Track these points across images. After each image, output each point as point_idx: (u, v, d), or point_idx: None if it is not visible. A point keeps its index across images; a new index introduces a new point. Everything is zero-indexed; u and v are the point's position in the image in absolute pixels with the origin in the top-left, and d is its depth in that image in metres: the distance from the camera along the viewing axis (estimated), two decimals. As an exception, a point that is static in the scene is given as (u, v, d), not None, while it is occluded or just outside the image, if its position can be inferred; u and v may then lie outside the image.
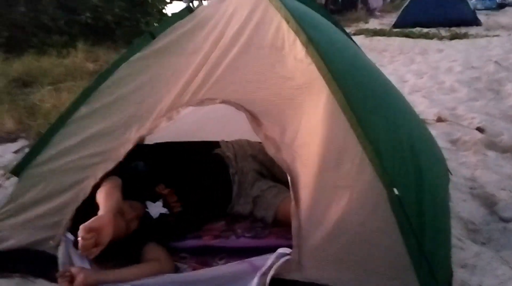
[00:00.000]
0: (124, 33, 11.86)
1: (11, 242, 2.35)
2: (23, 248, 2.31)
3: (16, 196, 2.42)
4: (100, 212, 2.02)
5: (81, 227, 1.85)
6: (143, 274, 2.00)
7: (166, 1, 13.99)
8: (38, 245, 2.25)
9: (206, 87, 2.09)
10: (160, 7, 13.52)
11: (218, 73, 2.08)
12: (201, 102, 2.08)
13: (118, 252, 2.17)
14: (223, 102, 2.03)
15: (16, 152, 4.21)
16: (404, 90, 6.14)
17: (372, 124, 1.78)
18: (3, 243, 2.36)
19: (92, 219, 1.92)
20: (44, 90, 5.93)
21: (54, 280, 2.09)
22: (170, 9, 14.73)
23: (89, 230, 1.85)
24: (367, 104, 1.87)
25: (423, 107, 5.36)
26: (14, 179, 2.67)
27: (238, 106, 1.99)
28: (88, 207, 2.13)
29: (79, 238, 1.84)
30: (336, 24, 2.94)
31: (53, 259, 2.15)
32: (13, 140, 4.52)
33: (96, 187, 2.21)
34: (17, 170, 2.47)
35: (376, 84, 2.22)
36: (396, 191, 1.65)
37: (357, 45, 2.94)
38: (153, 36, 2.35)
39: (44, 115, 4.82)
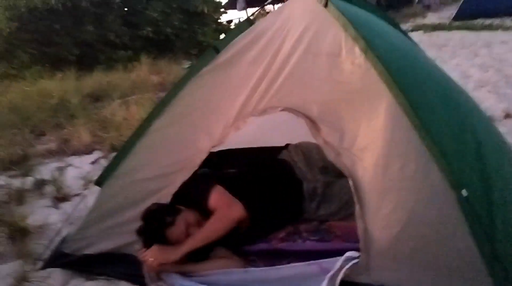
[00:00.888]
0: (183, 44, 12.40)
1: (97, 247, 2.59)
2: (108, 253, 2.53)
3: (100, 204, 2.66)
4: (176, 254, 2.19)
5: (150, 260, 2.09)
6: (214, 268, 2.14)
7: (221, 11, 14.42)
8: (122, 249, 2.45)
9: (268, 96, 2.19)
10: (216, 17, 13.96)
11: (279, 82, 2.17)
12: (264, 111, 2.18)
13: (189, 255, 2.31)
14: (284, 109, 2.12)
15: (92, 163, 4.56)
16: (468, 86, 5.90)
17: (436, 125, 1.78)
18: (90, 248, 2.61)
19: (164, 255, 2.16)
20: (114, 103, 6.35)
21: (137, 282, 2.29)
22: (225, 18, 15.15)
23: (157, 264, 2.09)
24: (429, 105, 1.87)
25: (490, 103, 5.13)
26: (94, 188, 2.92)
27: (298, 113, 2.07)
28: (170, 212, 2.31)
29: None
30: (393, 23, 2.93)
31: (137, 262, 2.33)
32: (89, 152, 4.89)
33: (175, 194, 2.38)
34: (100, 180, 2.69)
35: (437, 83, 2.20)
36: (464, 193, 1.64)
37: (415, 43, 2.90)
38: (217, 50, 2.48)
39: (115, 127, 5.18)
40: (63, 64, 10.33)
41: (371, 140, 1.86)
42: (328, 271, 1.85)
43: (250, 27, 2.45)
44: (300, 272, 1.99)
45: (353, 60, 1.97)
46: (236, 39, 2.45)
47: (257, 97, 2.22)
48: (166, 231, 2.27)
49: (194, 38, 12.58)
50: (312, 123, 2.04)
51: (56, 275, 2.59)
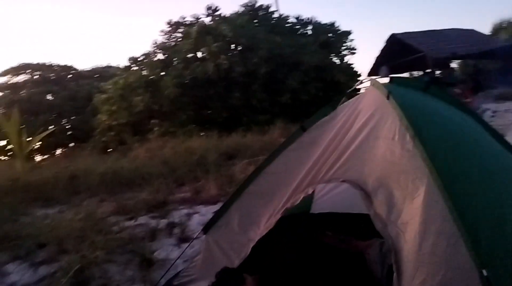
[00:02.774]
0: (317, 110, 13.10)
1: (199, 283, 3.18)
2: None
3: (204, 248, 3.30)
4: None
5: None
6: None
7: (358, 79, 15.00)
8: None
9: (335, 168, 2.59)
10: (351, 85, 14.52)
11: (344, 157, 2.57)
12: (329, 181, 2.58)
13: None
14: (344, 181, 2.49)
15: (214, 212, 5.32)
16: None
17: (471, 209, 1.97)
18: (193, 283, 3.22)
19: None
20: (243, 162, 7.22)
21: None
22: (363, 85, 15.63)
23: None
24: (467, 190, 2.05)
25: None
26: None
27: (356, 185, 2.41)
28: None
29: None
30: (467, 111, 3.06)
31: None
32: (214, 203, 5.70)
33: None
34: (206, 228, 3.35)
35: (485, 170, 2.32)
36: (485, 272, 1.79)
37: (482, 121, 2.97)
38: (304, 129, 3.02)
39: (238, 183, 5.93)
40: (212, 125, 11.95)
41: (412, 216, 2.12)
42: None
43: (334, 111, 2.94)
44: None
45: (404, 145, 2.28)
46: (320, 120, 2.96)
47: (326, 168, 2.64)
48: None
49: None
50: (366, 195, 2.36)
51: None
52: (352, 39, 15.99)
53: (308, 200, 4.46)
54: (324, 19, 21.26)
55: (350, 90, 3.13)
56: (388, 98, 2.49)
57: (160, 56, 15.87)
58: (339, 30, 15.92)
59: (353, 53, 15.98)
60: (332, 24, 16.13)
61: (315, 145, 2.85)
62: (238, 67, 12.74)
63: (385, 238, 2.20)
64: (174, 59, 14.47)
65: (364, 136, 2.54)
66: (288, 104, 12.94)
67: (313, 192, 4.42)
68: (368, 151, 2.48)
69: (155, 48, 16.12)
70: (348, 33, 15.94)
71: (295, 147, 2.97)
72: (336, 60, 15.55)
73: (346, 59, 15.92)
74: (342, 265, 3.14)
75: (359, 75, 15.60)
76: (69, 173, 7.15)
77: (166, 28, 16.36)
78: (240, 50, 14.04)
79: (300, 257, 3.34)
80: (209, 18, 16.09)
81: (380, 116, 2.53)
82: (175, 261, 3.66)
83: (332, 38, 15.60)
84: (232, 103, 12.77)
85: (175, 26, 16.27)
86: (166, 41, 16.29)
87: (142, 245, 4.26)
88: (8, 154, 15.47)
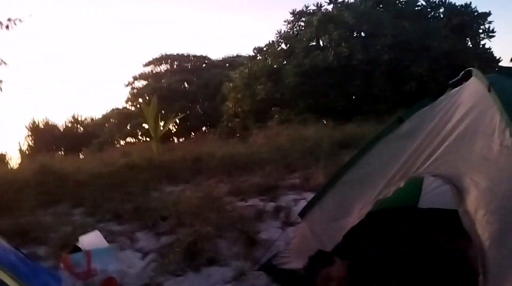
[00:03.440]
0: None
1: (291, 265, 3.38)
2: (296, 270, 3.28)
3: (300, 232, 3.47)
4: None
5: None
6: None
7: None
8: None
9: (429, 162, 2.54)
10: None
11: (439, 151, 2.49)
12: (420, 174, 2.53)
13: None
14: (436, 175, 2.42)
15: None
16: None
17: None
18: (286, 264, 3.42)
19: None
20: (355, 152, 7.13)
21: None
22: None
23: None
24: None
25: None
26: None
27: (448, 181, 2.33)
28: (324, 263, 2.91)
29: None
30: None
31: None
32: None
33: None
34: (302, 213, 3.52)
35: None
36: None
37: None
38: (401, 120, 2.97)
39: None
40: (330, 113, 11.95)
41: (501, 216, 2.01)
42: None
43: (434, 102, 2.84)
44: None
45: (502, 142, 2.14)
46: (419, 112, 2.89)
47: (420, 161, 2.59)
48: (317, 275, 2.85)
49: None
50: (458, 191, 2.27)
51: (262, 278, 3.48)
52: (491, 21, 14.35)
53: (416, 193, 4.34)
54: (459, 1, 19.29)
55: (454, 80, 2.96)
56: (489, 90, 2.34)
57: (283, 45, 16.29)
58: (476, 11, 14.41)
59: (491, 37, 14.34)
60: (468, 6, 14.66)
61: (411, 137, 2.80)
62: (359, 55, 12.46)
63: (472, 237, 2.11)
64: (295, 48, 14.72)
65: (462, 130, 2.44)
66: (412, 93, 12.25)
67: (421, 185, 4.32)
68: (465, 146, 2.38)
69: (279, 38, 16.58)
70: (486, 14, 14.34)
71: (391, 138, 2.95)
72: (471, 45, 14.17)
73: (483, 43, 14.41)
74: (444, 262, 3.02)
75: (499, 61, 13.99)
76: (194, 155, 7.90)
77: (290, 18, 16.68)
78: (362, 37, 13.70)
79: (401, 251, 3.29)
80: (332, 6, 15.95)
81: (480, 109, 2.40)
82: (275, 242, 3.89)
83: (466, 21, 14.21)
84: (351, 92, 12.59)
85: (298, 15, 16.48)
86: (289, 30, 16.62)
87: (249, 225, 4.59)
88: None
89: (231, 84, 16.04)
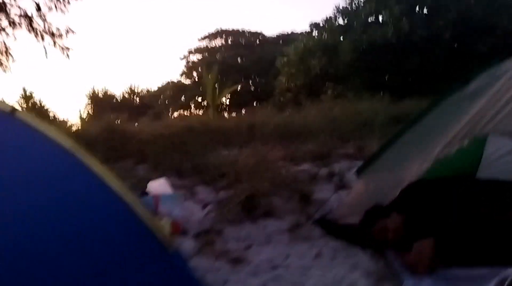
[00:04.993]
0: None
1: (346, 220, 3.52)
2: (352, 225, 3.42)
3: (355, 189, 3.59)
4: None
5: None
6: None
7: None
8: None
9: (495, 121, 2.57)
10: None
11: (506, 111, 2.51)
12: (486, 133, 2.57)
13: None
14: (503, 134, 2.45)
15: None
16: None
17: None
18: (342, 220, 3.57)
19: None
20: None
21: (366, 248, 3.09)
22: None
23: None
24: None
25: None
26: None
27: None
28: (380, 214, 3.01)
29: None
30: None
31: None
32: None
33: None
34: (359, 171, 3.63)
35: None
36: None
37: None
38: (467, 81, 2.99)
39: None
40: (385, 90, 11.75)
41: None
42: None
43: (501, 64, 2.84)
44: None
45: None
46: (485, 73, 2.89)
47: (485, 121, 2.62)
48: (373, 229, 2.96)
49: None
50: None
51: (317, 230, 3.66)
52: None
53: (475, 162, 4.29)
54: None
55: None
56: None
57: (340, 21, 16.06)
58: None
59: None
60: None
61: (476, 96, 2.82)
62: (420, 31, 12.08)
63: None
64: (353, 23, 14.48)
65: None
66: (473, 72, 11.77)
67: (482, 155, 4.26)
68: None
69: (336, 13, 16.33)
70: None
71: (455, 98, 2.97)
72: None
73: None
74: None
75: None
76: (248, 123, 8.14)
77: (349, -8, 16.33)
78: (424, 12, 13.22)
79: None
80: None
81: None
82: (328, 201, 4.04)
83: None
84: (409, 69, 12.28)
85: (358, -11, 16.11)
86: (347, 6, 16.32)
87: (303, 185, 4.76)
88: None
89: (285, 59, 16.08)
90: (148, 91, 29.36)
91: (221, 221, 4.09)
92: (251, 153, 6.04)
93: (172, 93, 27.19)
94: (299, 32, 27.02)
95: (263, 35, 30.46)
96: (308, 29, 18.22)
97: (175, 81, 28.56)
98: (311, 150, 6.30)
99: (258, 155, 5.89)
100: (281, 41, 28.32)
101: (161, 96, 28.06)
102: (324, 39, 15.10)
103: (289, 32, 29.47)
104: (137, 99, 28.78)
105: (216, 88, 10.05)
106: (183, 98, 26.45)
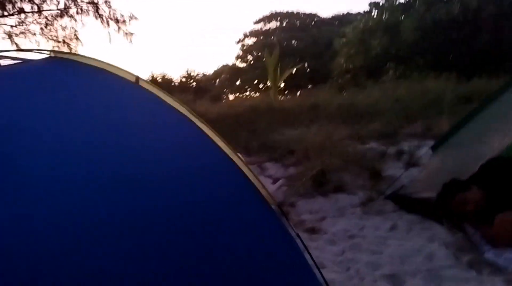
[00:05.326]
0: None
1: (420, 194, 3.56)
2: (426, 199, 3.46)
3: (430, 164, 3.62)
4: None
5: None
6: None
7: None
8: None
9: None
10: None
11: None
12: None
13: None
14: None
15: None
16: None
17: None
18: (416, 194, 3.61)
19: None
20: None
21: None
22: None
23: None
24: None
25: None
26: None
27: None
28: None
29: None
30: None
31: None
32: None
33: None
34: (434, 147, 3.64)
35: None
36: None
37: None
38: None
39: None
40: (451, 70, 11.29)
41: None
42: None
43: None
44: None
45: None
46: None
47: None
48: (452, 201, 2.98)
49: None
50: None
51: (389, 205, 3.73)
52: None
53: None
54: None
55: None
56: None
57: (400, -1, 15.54)
58: None
59: None
60: None
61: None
62: (489, 7, 11.45)
63: None
64: (415, 1, 13.96)
65: None
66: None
67: None
68: None
69: (398, -10, 15.79)
70: None
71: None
72: None
73: None
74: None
75: None
76: (310, 103, 8.21)
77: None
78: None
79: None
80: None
81: None
82: (399, 178, 4.08)
83: None
84: (477, 48, 11.69)
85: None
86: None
87: (372, 163, 4.81)
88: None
89: (344, 40, 15.84)
90: (204, 75, 30.01)
91: (293, 194, 4.25)
92: (317, 131, 6.14)
93: (228, 76, 27.62)
94: (355, 13, 26.47)
95: (318, 17, 30.02)
96: (366, 9, 17.79)
97: (231, 64, 28.97)
98: (377, 129, 6.30)
99: (324, 134, 5.99)
100: (336, 22, 27.80)
101: (217, 79, 28.59)
102: (384, 19, 14.69)
103: (345, 13, 28.87)
104: (194, 83, 29.51)
105: (277, 69, 10.17)
106: (239, 81, 26.81)
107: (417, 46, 12.76)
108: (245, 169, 1.87)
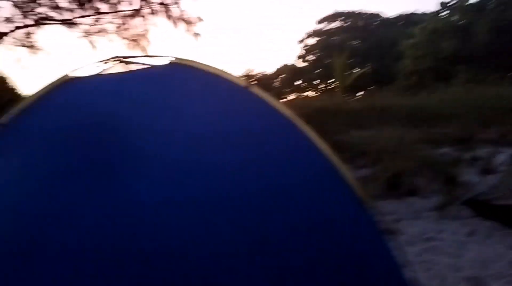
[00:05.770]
0: None
1: (504, 201, 3.54)
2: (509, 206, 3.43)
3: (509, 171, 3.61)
4: None
5: None
6: None
7: None
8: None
9: None
10: None
11: None
12: None
13: None
14: None
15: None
16: None
17: None
18: (501, 201, 3.59)
19: None
20: None
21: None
22: None
23: None
24: None
25: None
26: None
27: None
28: None
29: None
30: None
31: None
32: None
33: None
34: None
35: None
36: None
37: None
38: None
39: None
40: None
41: None
42: None
43: None
44: None
45: None
46: None
47: None
48: None
49: None
50: None
51: (466, 210, 3.74)
52: None
53: None
54: None
55: None
56: None
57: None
58: None
59: None
60: None
61: None
62: None
63: None
64: (487, 2, 13.36)
65: None
66: None
67: None
68: None
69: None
70: None
71: None
72: None
73: None
74: None
75: None
76: (379, 105, 8.19)
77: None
78: None
79: None
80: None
81: None
82: (477, 184, 4.07)
83: None
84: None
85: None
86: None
87: (445, 168, 4.80)
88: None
89: (410, 41, 15.47)
90: (263, 74, 30.33)
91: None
92: (388, 134, 6.17)
93: (289, 75, 27.77)
94: (420, 13, 25.65)
95: (382, 17, 29.37)
96: (432, 9, 17.22)
97: (291, 64, 29.06)
98: (450, 134, 6.21)
99: (395, 136, 6.01)
100: (401, 23, 27.07)
101: (277, 79, 28.83)
102: (454, 20, 14.19)
103: (410, 13, 27.99)
104: (255, 82, 29.93)
105: (345, 71, 10.22)
106: (299, 81, 26.91)
107: (491, 48, 12.22)
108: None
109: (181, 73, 2.12)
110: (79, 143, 1.82)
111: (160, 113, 1.93)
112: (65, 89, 1.95)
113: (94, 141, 1.81)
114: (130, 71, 2.15)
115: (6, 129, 1.87)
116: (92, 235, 1.61)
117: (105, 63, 2.13)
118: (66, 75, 1.95)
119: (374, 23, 28.74)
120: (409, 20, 25.63)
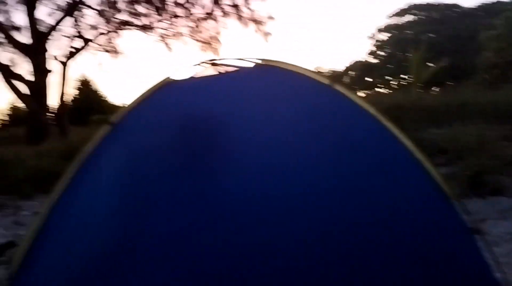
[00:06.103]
0: None
1: None
2: None
3: None
4: None
5: None
6: None
7: None
8: None
9: None
10: None
11: None
12: None
13: None
14: None
15: None
16: None
17: None
18: None
19: None
20: None
21: None
22: None
23: None
24: None
25: None
26: None
27: None
28: None
29: None
30: None
31: None
32: None
33: None
34: None
35: None
36: None
37: None
38: None
39: None
40: None
41: None
42: None
43: None
44: None
45: None
46: None
47: None
48: None
49: None
50: None
51: None
52: None
53: None
54: None
55: None
56: None
57: None
58: None
59: None
60: None
61: None
62: None
63: None
64: None
65: None
66: None
67: None
68: None
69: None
70: None
71: None
72: None
73: None
74: None
75: None
76: (458, 100, 7.83)
77: None
78: None
79: None
80: None
81: None
82: None
83: None
84: None
85: None
86: None
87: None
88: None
89: (492, 32, 14.52)
90: (333, 71, 29.92)
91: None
92: (469, 131, 5.91)
93: (360, 72, 27.16)
94: (506, 0, 23.86)
95: (460, 7, 27.75)
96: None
97: (362, 60, 28.39)
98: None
99: (476, 133, 5.74)
100: (482, 13, 25.41)
101: (347, 75, 28.32)
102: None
103: (493, 1, 26.13)
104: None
105: (421, 66, 9.89)
106: (370, 77, 26.24)
107: None
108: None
109: (268, 74, 2.25)
110: (179, 141, 2.03)
111: (251, 112, 2.09)
112: (166, 91, 2.16)
113: (193, 140, 2.02)
114: (220, 74, 2.31)
115: (115, 127, 2.11)
116: (197, 230, 1.81)
117: (198, 65, 2.31)
118: (168, 78, 2.15)
119: (451, 15, 27.25)
120: (491, 10, 24.01)
